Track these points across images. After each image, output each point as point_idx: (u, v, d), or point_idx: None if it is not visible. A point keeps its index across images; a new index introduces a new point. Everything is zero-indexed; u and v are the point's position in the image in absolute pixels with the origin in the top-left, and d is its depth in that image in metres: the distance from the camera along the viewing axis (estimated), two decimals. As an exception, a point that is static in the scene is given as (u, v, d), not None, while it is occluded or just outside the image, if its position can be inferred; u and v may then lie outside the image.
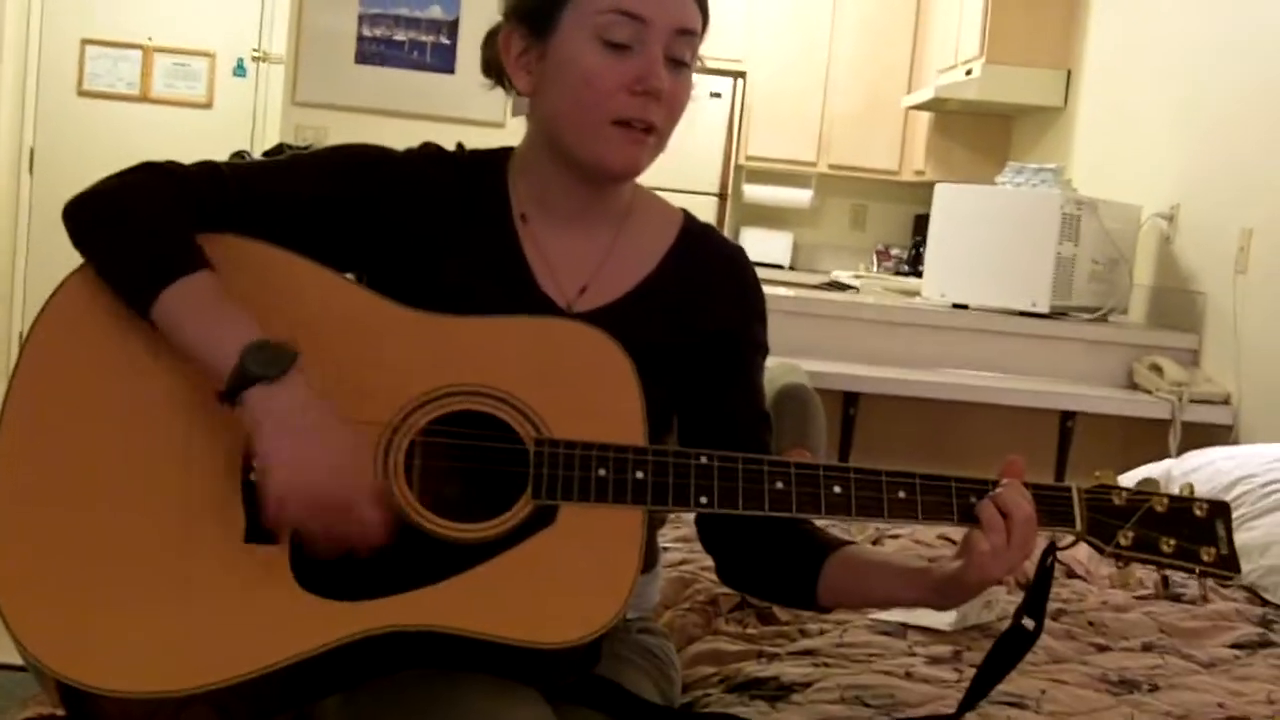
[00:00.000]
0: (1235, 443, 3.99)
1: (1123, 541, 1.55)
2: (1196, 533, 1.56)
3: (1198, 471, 3.11)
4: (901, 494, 1.52)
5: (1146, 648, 2.23)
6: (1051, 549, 1.59)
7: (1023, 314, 4.52)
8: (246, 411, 1.38)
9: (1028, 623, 1.60)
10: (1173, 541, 1.55)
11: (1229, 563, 1.56)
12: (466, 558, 1.44)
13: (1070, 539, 1.57)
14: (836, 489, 1.51)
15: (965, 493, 1.53)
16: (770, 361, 1.71)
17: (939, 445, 4.55)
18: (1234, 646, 2.27)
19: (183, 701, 1.36)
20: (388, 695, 1.46)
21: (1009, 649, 1.62)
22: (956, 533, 1.57)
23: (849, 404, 4.24)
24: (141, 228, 1.47)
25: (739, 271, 1.75)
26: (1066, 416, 4.35)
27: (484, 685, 1.44)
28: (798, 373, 3.65)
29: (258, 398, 1.37)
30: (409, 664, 1.45)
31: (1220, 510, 1.59)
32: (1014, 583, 2.55)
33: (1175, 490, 1.60)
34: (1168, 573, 1.58)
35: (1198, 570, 1.56)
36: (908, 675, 1.94)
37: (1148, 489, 1.58)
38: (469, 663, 1.44)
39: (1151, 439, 4.24)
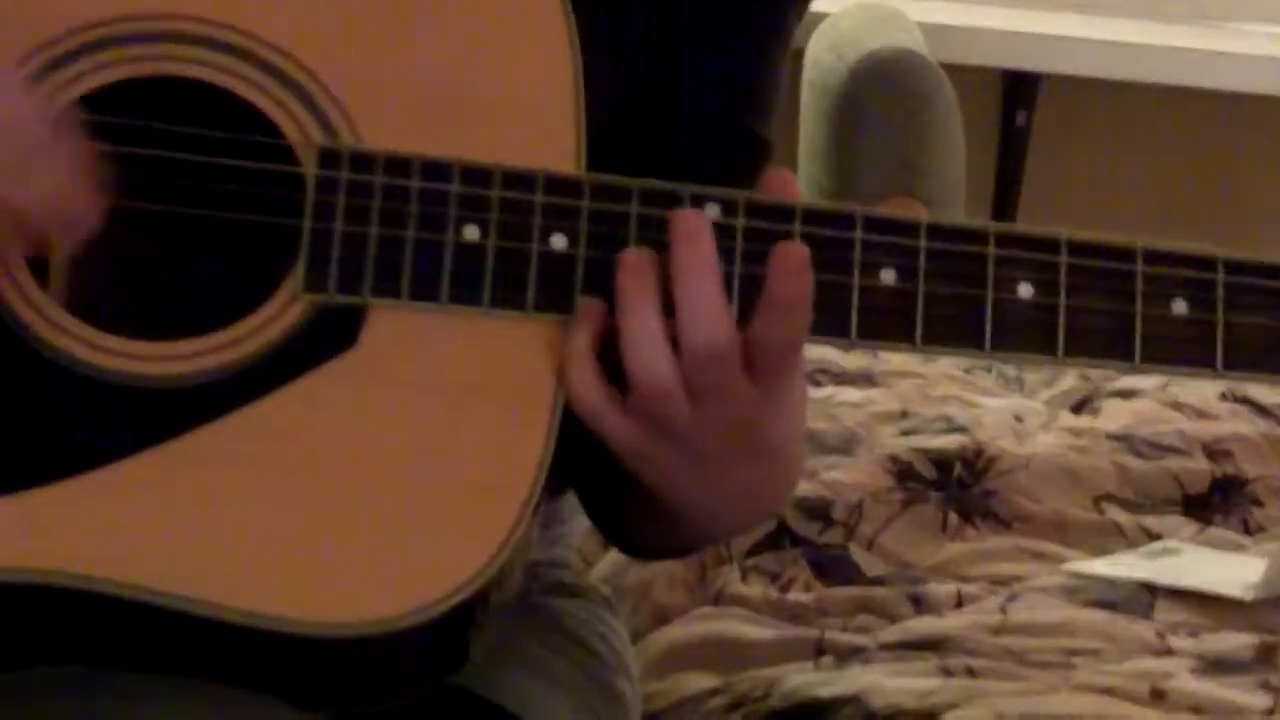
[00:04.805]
0: None
1: None
2: None
3: None
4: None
5: None
6: None
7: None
8: None
9: None
10: None
11: None
12: (157, 418, 0.76)
13: None
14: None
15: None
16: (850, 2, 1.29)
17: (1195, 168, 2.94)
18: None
19: None
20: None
21: None
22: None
23: (1013, 97, 2.79)
24: None
25: None
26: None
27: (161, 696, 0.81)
28: (902, 24, 2.26)
29: None
30: (64, 650, 0.82)
31: None
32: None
33: None
34: None
35: None
36: (1154, 697, 1.22)
37: None
38: (174, 659, 0.80)
39: None
